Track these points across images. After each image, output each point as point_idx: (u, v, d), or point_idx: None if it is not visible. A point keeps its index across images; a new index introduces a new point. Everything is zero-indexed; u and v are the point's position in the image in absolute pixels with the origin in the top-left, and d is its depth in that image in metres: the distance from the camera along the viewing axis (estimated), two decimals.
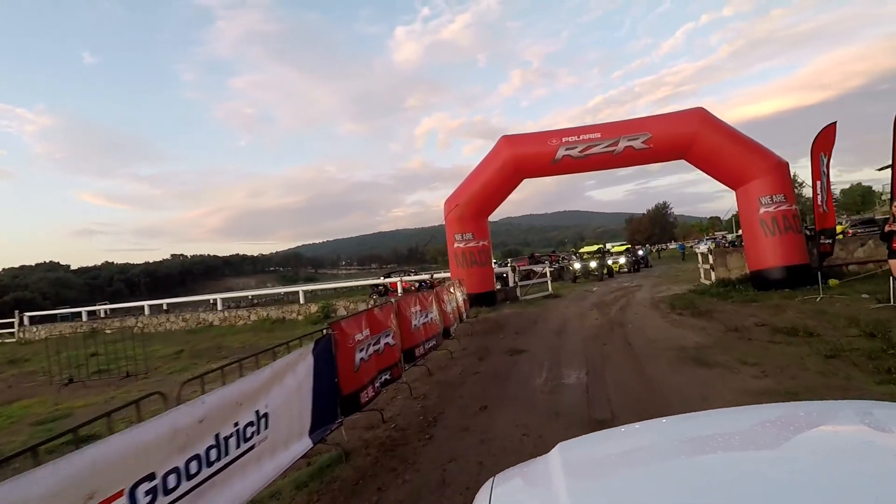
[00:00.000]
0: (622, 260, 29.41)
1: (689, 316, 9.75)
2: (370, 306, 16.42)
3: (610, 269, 26.44)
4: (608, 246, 41.72)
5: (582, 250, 27.23)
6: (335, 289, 33.93)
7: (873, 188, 78.96)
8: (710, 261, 13.64)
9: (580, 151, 12.97)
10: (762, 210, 11.77)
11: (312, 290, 26.60)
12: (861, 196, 77.46)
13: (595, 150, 12.87)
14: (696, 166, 13.01)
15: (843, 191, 78.39)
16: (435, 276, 20.80)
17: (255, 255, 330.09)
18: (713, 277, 13.57)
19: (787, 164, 12.03)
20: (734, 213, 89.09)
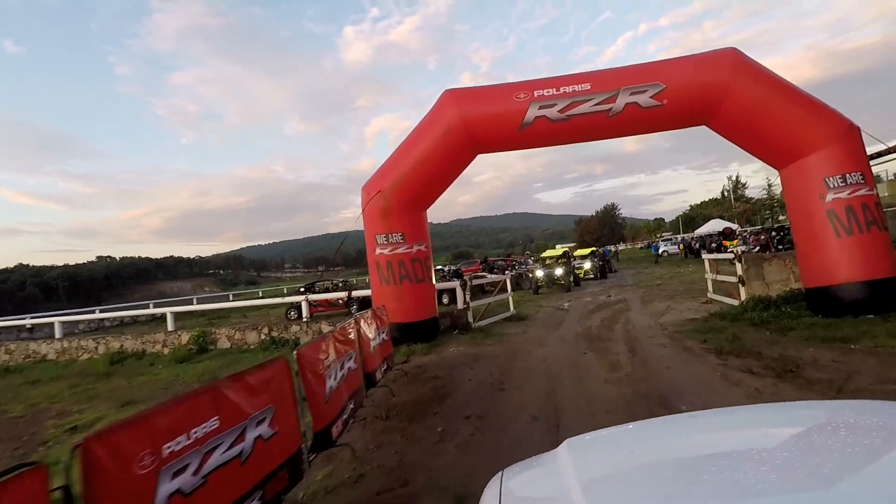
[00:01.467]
0: (587, 265, 25.74)
1: (756, 370, 5.62)
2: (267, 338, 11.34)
3: (576, 276, 22.60)
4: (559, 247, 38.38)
5: (545, 254, 23.18)
6: (234, 308, 25.05)
7: None
8: (740, 270, 9.65)
9: (561, 111, 8.66)
10: (831, 197, 7.87)
11: (193, 311, 20.19)
12: None
13: (583, 108, 8.60)
14: (724, 135, 9.03)
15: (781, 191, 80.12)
16: (356, 292, 16.01)
17: (192, 257, 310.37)
18: (744, 294, 9.59)
19: (859, 130, 8.23)
20: (684, 211, 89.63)
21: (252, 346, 12.34)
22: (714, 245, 28.07)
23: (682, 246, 33.64)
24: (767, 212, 74.79)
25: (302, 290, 22.64)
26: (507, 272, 24.63)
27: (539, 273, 20.76)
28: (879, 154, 33.94)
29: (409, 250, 9.49)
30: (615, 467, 1.34)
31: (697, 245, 30.79)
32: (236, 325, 13.37)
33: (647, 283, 19.35)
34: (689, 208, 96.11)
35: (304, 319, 14.22)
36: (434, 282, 10.38)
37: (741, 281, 9.60)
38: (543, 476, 1.38)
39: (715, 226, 48.46)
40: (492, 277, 24.23)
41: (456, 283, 11.25)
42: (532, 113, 8.74)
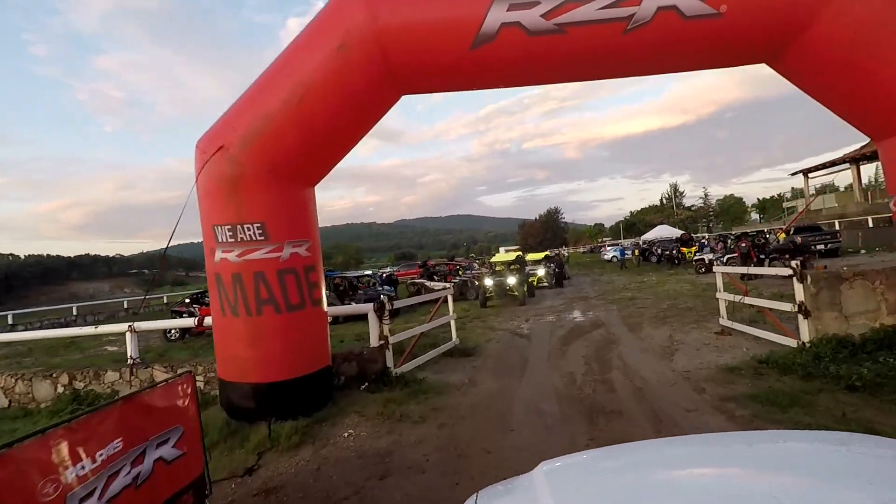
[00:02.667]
0: (541, 272, 22.49)
1: None
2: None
3: (530, 286, 19.20)
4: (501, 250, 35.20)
5: (495, 259, 19.62)
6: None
7: (743, 199, 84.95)
8: (802, 295, 6.26)
9: (546, 14, 4.91)
10: None
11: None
12: (731, 206, 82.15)
13: (583, 11, 4.89)
14: (799, 81, 5.64)
15: (717, 201, 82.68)
16: None
17: (113, 255, 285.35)
18: (808, 332, 6.22)
19: None
20: (625, 217, 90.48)
21: (44, 404, 7.76)
22: (672, 252, 25.87)
23: (636, 252, 31.20)
24: (704, 220, 76.58)
25: (188, 300, 17.72)
26: (450, 279, 20.88)
27: (488, 282, 17.15)
28: (824, 165, 31.80)
29: (273, 254, 5.35)
30: (591, 490, 1.34)
31: (659, 251, 28.37)
32: (19, 373, 8.50)
33: (616, 296, 16.19)
34: (628, 215, 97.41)
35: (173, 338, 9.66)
36: (326, 305, 6.32)
37: (803, 311, 6.23)
38: (518, 499, 1.37)
39: (661, 232, 47.25)
40: (431, 285, 20.43)
41: (370, 307, 7.19)
42: (495, 17, 4.92)
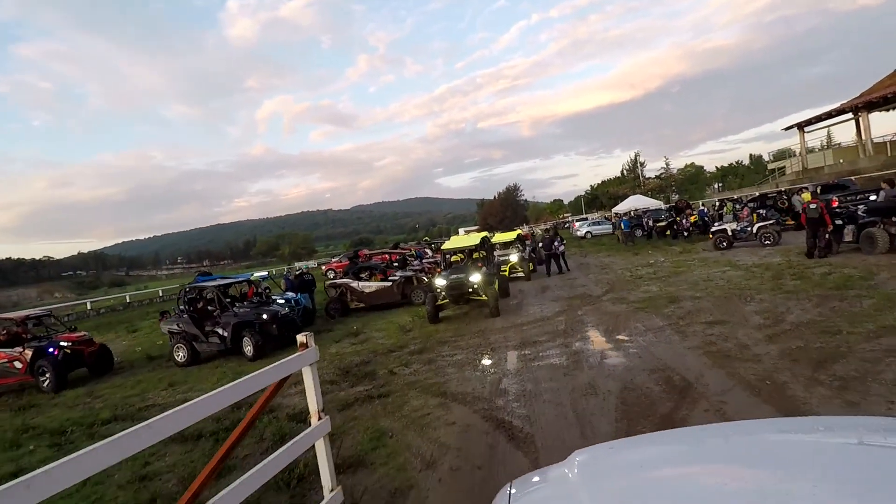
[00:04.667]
0: (514, 257, 16.64)
1: None
2: None
3: (503, 281, 13.29)
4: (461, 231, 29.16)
5: (449, 245, 13.48)
6: None
7: (704, 168, 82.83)
8: None
9: None
10: None
11: None
12: (694, 175, 79.78)
13: None
14: None
15: (679, 170, 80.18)
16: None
17: (40, 258, 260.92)
18: None
19: None
20: (586, 192, 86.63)
21: None
22: (666, 222, 20.73)
23: (621, 227, 25.62)
24: (668, 190, 73.36)
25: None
26: (390, 274, 14.68)
27: (440, 282, 11.11)
28: (818, 118, 26.13)
29: None
30: (624, 479, 1.31)
31: (650, 222, 23.07)
32: None
33: (637, 293, 10.42)
34: (587, 189, 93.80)
35: None
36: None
37: None
38: (552, 488, 1.37)
39: (636, 202, 42.36)
40: (360, 291, 14.04)
41: None
42: None
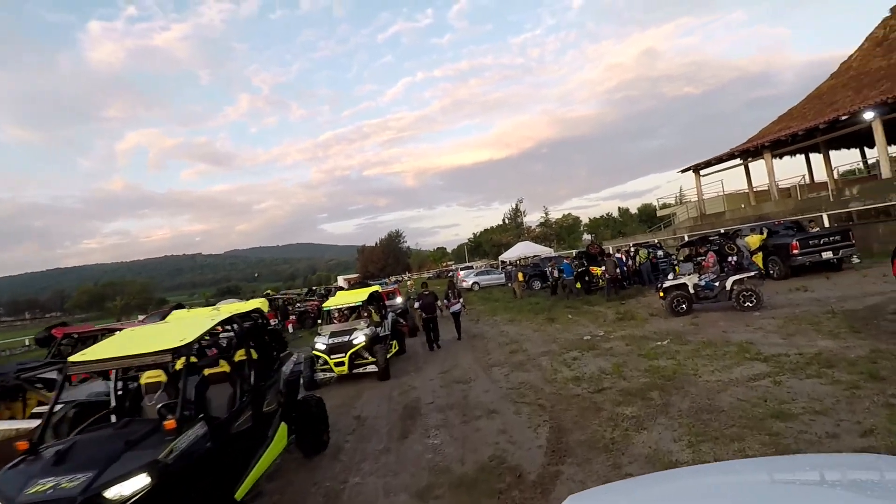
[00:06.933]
0: (359, 338, 8.98)
1: None
2: None
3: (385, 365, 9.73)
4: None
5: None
6: None
7: (580, 218, 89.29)
8: None
9: None
10: None
11: None
12: (571, 225, 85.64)
13: None
14: None
15: (556, 220, 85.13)
16: None
17: None
18: None
19: None
20: (469, 240, 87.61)
21: None
22: (580, 270, 18.80)
23: (521, 276, 23.61)
24: (549, 239, 77.11)
25: None
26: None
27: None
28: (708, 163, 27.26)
29: None
30: None
31: (555, 273, 19.83)
32: None
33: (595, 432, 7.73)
34: (470, 237, 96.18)
35: None
36: None
37: None
38: None
39: (524, 249, 42.04)
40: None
41: None
42: None
